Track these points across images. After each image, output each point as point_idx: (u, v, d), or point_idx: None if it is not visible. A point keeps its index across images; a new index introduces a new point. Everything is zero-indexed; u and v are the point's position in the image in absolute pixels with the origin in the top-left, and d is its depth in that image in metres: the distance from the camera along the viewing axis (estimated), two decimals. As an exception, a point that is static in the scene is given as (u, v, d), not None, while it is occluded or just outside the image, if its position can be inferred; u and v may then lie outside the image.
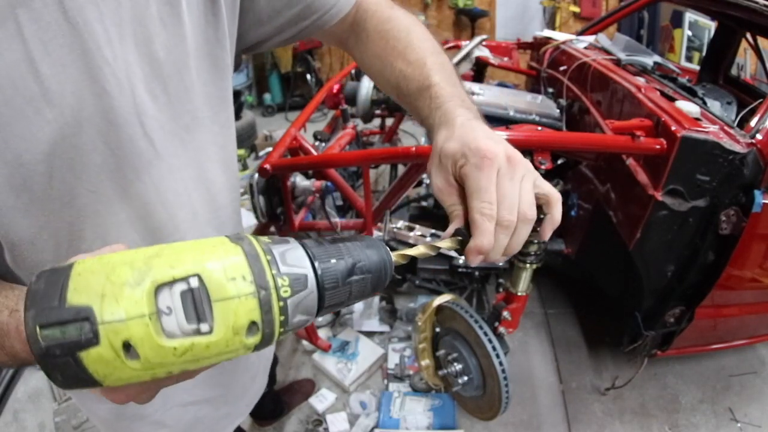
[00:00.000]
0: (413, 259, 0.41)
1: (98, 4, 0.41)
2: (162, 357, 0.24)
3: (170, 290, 0.25)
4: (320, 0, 0.59)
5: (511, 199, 0.43)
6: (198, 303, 0.25)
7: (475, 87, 1.80)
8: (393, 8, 0.64)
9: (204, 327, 0.25)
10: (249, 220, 2.02)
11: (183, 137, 0.52)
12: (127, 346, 0.24)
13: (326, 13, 0.60)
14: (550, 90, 2.06)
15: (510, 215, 0.42)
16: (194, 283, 0.25)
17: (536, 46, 2.48)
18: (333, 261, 0.31)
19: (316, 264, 0.30)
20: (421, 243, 0.43)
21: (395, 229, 1.95)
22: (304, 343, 1.98)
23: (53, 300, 0.24)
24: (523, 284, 1.44)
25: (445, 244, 0.43)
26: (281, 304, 0.27)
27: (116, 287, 0.24)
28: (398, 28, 0.61)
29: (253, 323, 0.26)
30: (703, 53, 3.02)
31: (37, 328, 0.24)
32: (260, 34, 0.61)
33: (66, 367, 0.24)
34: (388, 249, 0.36)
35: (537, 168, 1.26)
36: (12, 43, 0.37)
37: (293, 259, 0.29)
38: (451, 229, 0.45)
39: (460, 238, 0.44)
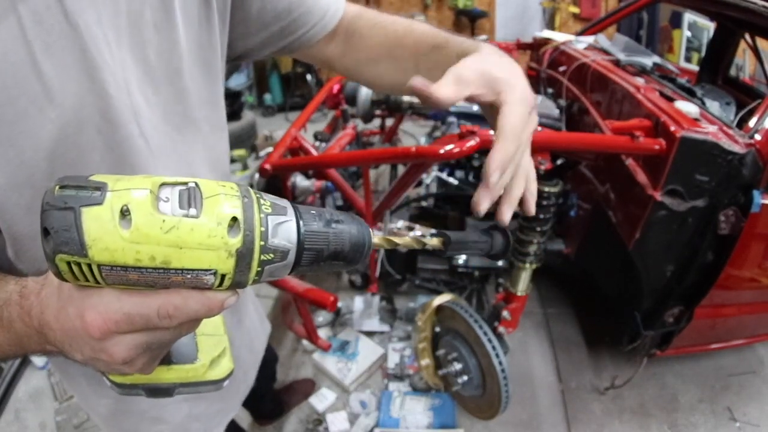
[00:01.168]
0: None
1: (97, 7, 0.42)
2: (150, 227, 0.29)
3: (172, 188, 0.31)
4: (307, 15, 0.60)
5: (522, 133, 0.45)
6: (192, 197, 0.31)
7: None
8: (381, 14, 0.65)
9: (192, 211, 0.30)
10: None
11: (174, 137, 0.54)
12: (124, 214, 0.28)
13: (313, 27, 0.61)
14: (550, 90, 2.06)
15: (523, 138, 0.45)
16: (192, 185, 0.31)
17: (536, 46, 2.48)
18: (313, 212, 0.35)
19: (297, 207, 0.35)
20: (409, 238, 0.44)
21: (395, 229, 1.95)
22: (304, 342, 1.99)
23: (80, 177, 0.30)
24: (523, 284, 1.45)
25: (432, 242, 0.46)
26: (262, 215, 0.32)
27: (130, 177, 0.31)
28: (393, 20, 0.62)
29: (234, 220, 0.30)
30: (702, 54, 3.03)
31: (57, 187, 0.29)
32: (248, 45, 0.62)
33: (63, 219, 0.28)
34: (370, 230, 0.39)
35: (536, 168, 1.26)
36: (16, 44, 0.38)
37: (277, 200, 0.34)
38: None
39: (443, 239, 0.46)
